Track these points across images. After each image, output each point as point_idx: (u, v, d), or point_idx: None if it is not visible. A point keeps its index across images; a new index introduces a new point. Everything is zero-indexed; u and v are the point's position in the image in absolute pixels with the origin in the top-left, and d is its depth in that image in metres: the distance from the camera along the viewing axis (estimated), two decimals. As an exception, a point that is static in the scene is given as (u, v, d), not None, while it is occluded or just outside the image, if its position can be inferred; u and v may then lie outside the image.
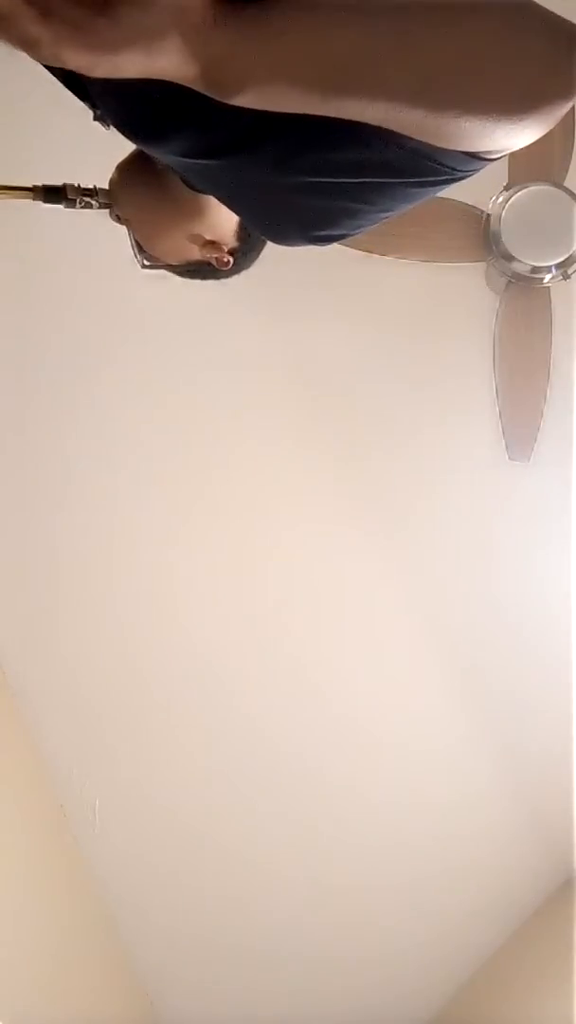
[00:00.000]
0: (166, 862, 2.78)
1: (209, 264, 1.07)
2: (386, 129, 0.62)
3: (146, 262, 1.11)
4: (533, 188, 2.15)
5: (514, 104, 0.58)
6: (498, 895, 2.83)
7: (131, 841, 2.76)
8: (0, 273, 2.55)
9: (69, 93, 0.89)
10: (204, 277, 1.13)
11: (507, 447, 2.46)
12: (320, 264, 2.40)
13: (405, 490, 2.72)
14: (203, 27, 0.59)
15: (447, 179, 0.68)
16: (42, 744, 2.71)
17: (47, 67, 0.87)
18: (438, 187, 0.70)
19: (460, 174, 0.67)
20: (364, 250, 2.18)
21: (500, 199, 2.17)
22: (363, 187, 0.71)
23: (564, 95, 0.58)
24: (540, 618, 2.73)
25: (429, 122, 0.60)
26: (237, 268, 1.09)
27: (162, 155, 0.85)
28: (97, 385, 2.67)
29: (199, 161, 0.78)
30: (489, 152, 0.63)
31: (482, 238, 2.22)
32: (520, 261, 2.20)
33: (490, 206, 2.19)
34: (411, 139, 0.62)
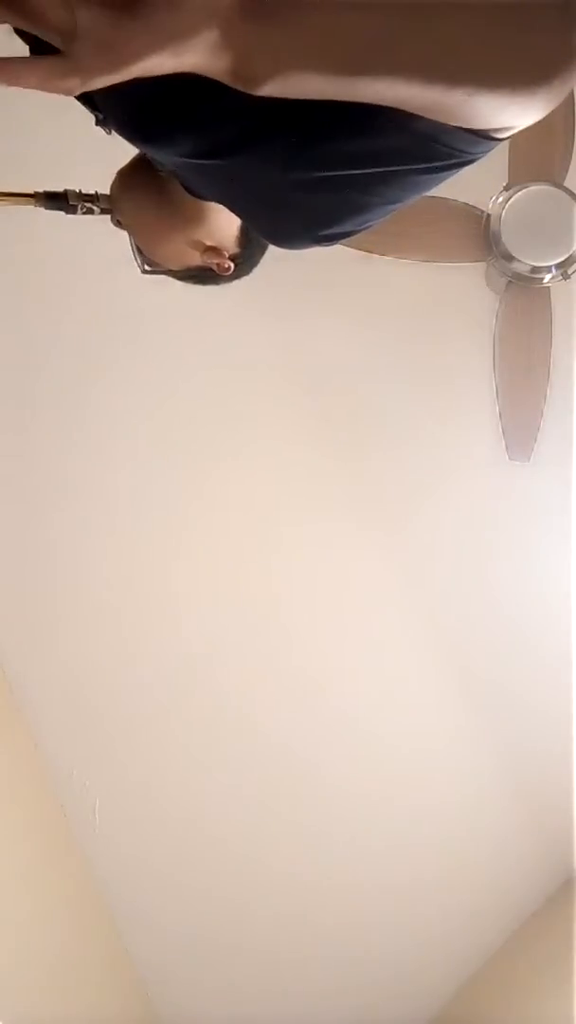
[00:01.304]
0: (166, 862, 2.78)
1: (210, 270, 1.07)
2: (396, 113, 0.62)
3: (147, 267, 1.12)
4: (533, 188, 2.15)
5: (525, 77, 0.58)
6: (498, 895, 2.83)
7: (131, 841, 2.76)
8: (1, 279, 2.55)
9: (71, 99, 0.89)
10: (205, 282, 1.13)
11: (507, 447, 2.46)
12: (320, 264, 2.40)
13: (405, 490, 2.72)
14: (234, 21, 0.59)
15: (456, 162, 0.68)
16: (42, 744, 2.71)
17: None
18: (446, 172, 0.70)
19: (469, 156, 0.67)
20: (364, 250, 2.18)
21: (500, 199, 2.17)
22: (371, 178, 0.71)
23: (573, 67, 0.58)
24: (540, 617, 2.73)
25: (443, 99, 0.60)
26: (238, 274, 1.09)
27: (166, 158, 0.84)
28: (98, 385, 2.67)
29: (204, 162, 0.77)
30: (499, 130, 0.64)
31: (482, 238, 2.22)
32: (520, 261, 2.20)
33: (490, 206, 2.19)
34: (423, 120, 0.62)
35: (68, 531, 2.73)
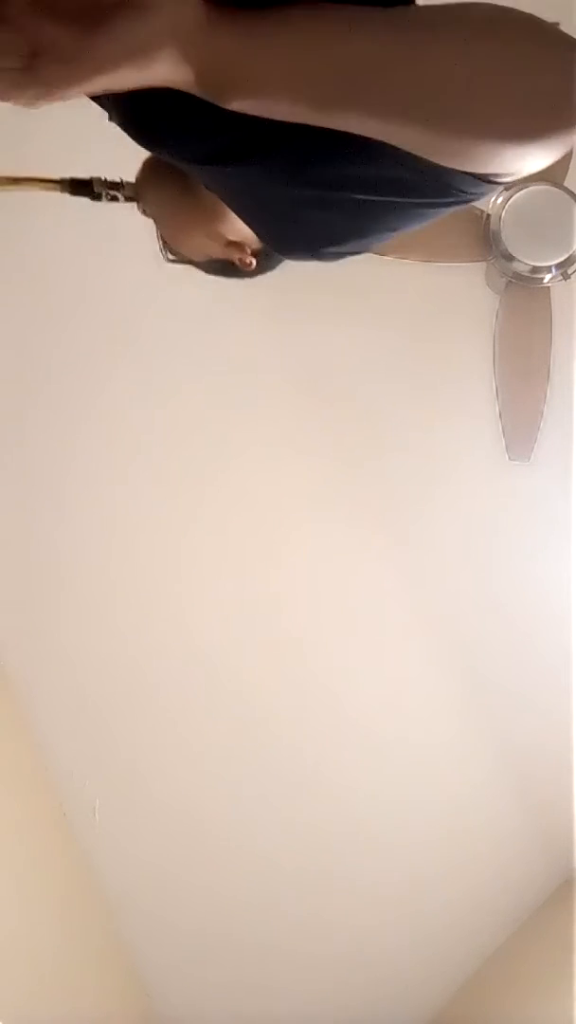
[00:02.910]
0: (166, 861, 2.78)
1: (232, 264, 1.07)
2: (392, 147, 0.61)
3: (170, 256, 1.12)
4: (533, 188, 2.15)
5: (524, 127, 0.56)
6: (498, 895, 2.83)
7: (131, 841, 2.77)
8: (1, 280, 2.55)
9: None
10: (228, 275, 1.12)
11: (507, 447, 2.46)
12: (320, 265, 2.40)
13: (405, 489, 2.72)
14: (197, 33, 0.59)
15: (455, 201, 0.67)
16: (42, 744, 2.71)
17: None
18: (446, 208, 0.69)
19: (468, 196, 0.65)
20: (364, 250, 2.17)
21: (500, 199, 2.17)
22: (372, 205, 0.70)
23: (570, 120, 0.56)
24: (540, 617, 2.73)
25: (433, 141, 0.59)
26: (260, 269, 1.09)
27: (171, 159, 0.85)
28: (99, 385, 2.67)
29: (206, 167, 0.78)
30: (498, 175, 0.62)
31: (482, 238, 2.22)
32: (520, 261, 2.19)
33: (490, 206, 2.19)
34: (421, 159, 0.61)
35: (69, 531, 2.72)
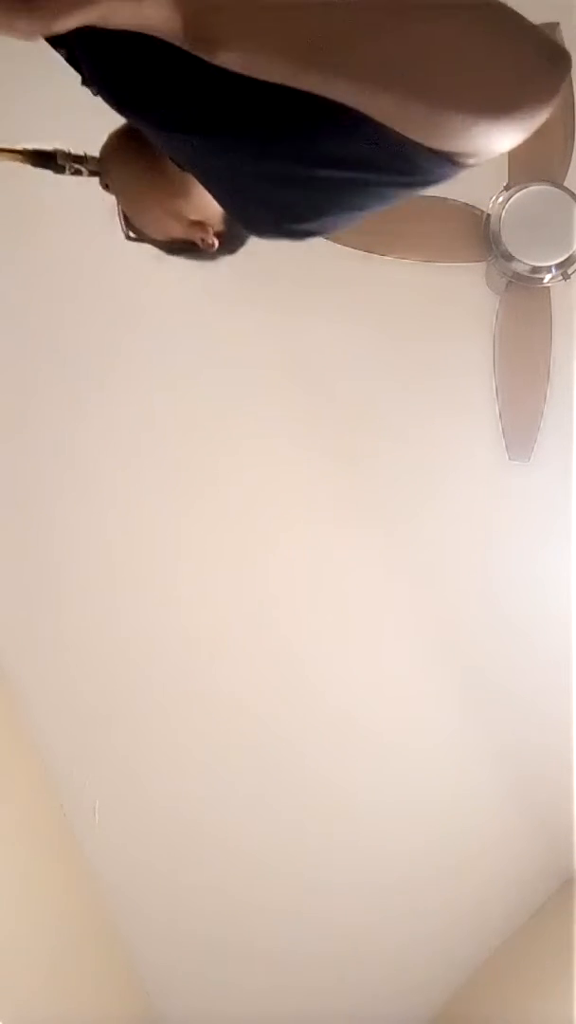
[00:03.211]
0: (166, 862, 2.78)
1: (194, 244, 1.07)
2: (363, 119, 0.62)
3: (131, 234, 1.11)
4: (533, 188, 2.15)
5: (494, 104, 0.58)
6: (498, 895, 2.83)
7: (131, 841, 2.77)
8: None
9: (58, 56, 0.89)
10: (189, 256, 1.12)
11: (507, 447, 2.46)
12: (320, 264, 2.40)
13: (404, 490, 2.72)
14: None
15: (420, 181, 0.67)
16: (42, 744, 2.71)
17: None
18: (410, 190, 0.70)
19: (434, 176, 0.66)
20: (364, 250, 2.18)
21: (500, 199, 2.17)
22: (338, 182, 0.71)
23: (543, 100, 0.58)
24: (540, 617, 2.73)
25: (411, 114, 0.60)
26: (223, 251, 1.08)
27: (143, 126, 0.85)
28: (97, 384, 2.67)
29: (178, 135, 0.78)
30: (465, 155, 0.63)
31: (482, 238, 2.22)
32: (520, 261, 2.20)
33: (490, 206, 2.19)
34: (388, 131, 0.62)
35: (67, 531, 2.72)
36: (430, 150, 0.62)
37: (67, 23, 0.60)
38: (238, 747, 2.77)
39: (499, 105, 0.58)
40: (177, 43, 0.63)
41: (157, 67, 0.69)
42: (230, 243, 1.08)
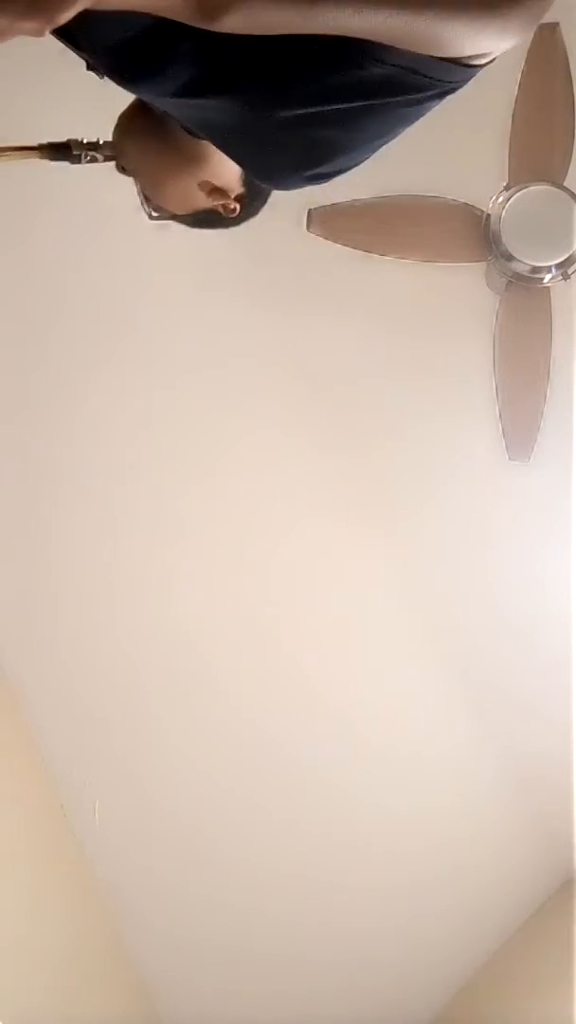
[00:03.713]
0: (166, 862, 2.78)
1: (216, 212, 1.07)
2: (370, 45, 0.63)
3: (153, 213, 1.11)
4: (533, 188, 2.15)
5: (494, 4, 0.59)
6: (498, 895, 2.83)
7: (131, 841, 2.77)
8: None
9: (61, 47, 0.89)
10: (212, 226, 1.12)
11: (507, 447, 2.46)
12: (320, 263, 2.40)
13: (405, 490, 2.72)
14: None
15: (436, 92, 0.68)
16: (42, 744, 2.71)
17: None
18: (428, 103, 0.70)
19: (448, 85, 0.68)
20: (364, 250, 2.18)
21: (500, 199, 2.17)
22: (353, 113, 0.71)
23: None
24: (540, 618, 2.73)
25: (411, 26, 0.61)
26: (244, 215, 1.09)
27: (155, 97, 0.85)
28: (95, 382, 2.67)
29: (191, 100, 0.78)
30: (475, 57, 0.64)
31: (482, 238, 2.22)
32: (520, 261, 2.20)
33: (490, 206, 2.19)
34: (397, 51, 0.63)
35: (66, 530, 2.72)
36: (440, 59, 0.63)
37: (70, 12, 0.60)
38: (239, 748, 2.77)
39: (501, 4, 0.59)
40: (177, 18, 0.63)
41: (161, 35, 0.69)
42: (251, 206, 1.09)
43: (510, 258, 2.20)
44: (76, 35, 0.83)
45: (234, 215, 1.07)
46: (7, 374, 2.66)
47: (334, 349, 2.65)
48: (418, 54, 0.63)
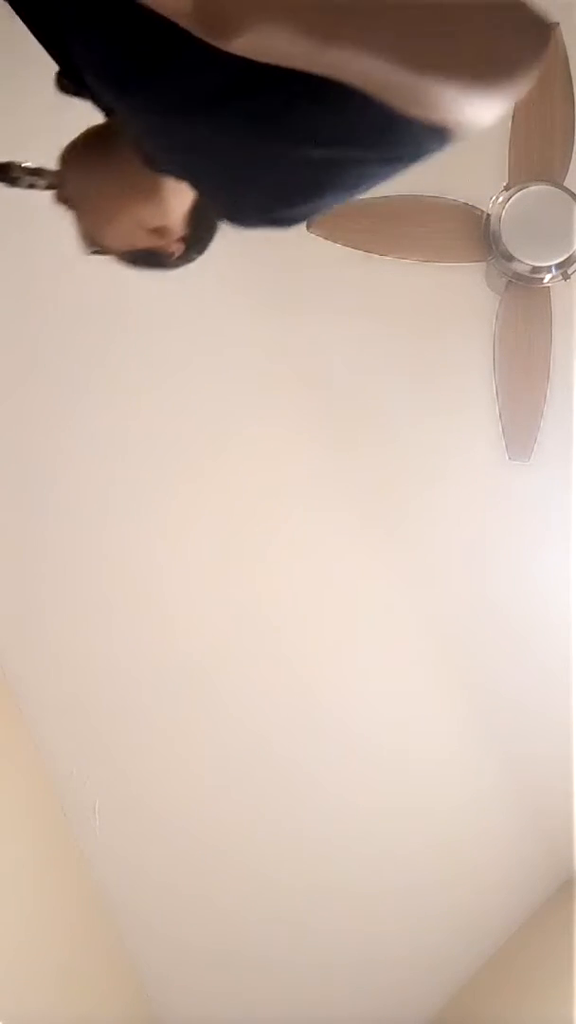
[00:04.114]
0: (166, 863, 2.78)
1: (157, 252, 1.05)
2: (360, 92, 0.63)
3: (92, 248, 1.08)
4: (533, 188, 2.15)
5: (490, 73, 0.59)
6: (498, 895, 2.83)
7: (131, 842, 2.76)
8: None
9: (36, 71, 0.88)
10: (151, 265, 1.10)
11: (507, 447, 2.46)
12: (320, 264, 2.41)
13: (404, 490, 2.72)
14: None
15: (413, 154, 0.69)
16: (42, 744, 2.71)
17: (20, 8, 0.86)
18: (402, 164, 0.70)
19: (426, 149, 0.68)
20: (364, 250, 2.18)
21: (500, 199, 2.18)
22: (331, 163, 0.71)
23: (532, 68, 0.60)
24: (540, 618, 2.73)
25: (406, 83, 0.61)
26: (185, 257, 1.07)
27: (133, 109, 0.82)
28: (92, 382, 2.67)
29: (176, 118, 0.76)
30: (458, 125, 0.64)
31: (482, 238, 2.22)
32: (520, 261, 2.20)
33: (490, 206, 2.20)
34: (384, 106, 0.63)
35: (66, 530, 2.72)
36: (421, 123, 0.63)
37: None
38: (238, 747, 2.77)
39: (494, 74, 0.59)
40: (184, 24, 0.63)
41: (158, 46, 0.69)
42: (193, 248, 1.07)
43: (510, 258, 2.20)
44: (67, 25, 0.81)
45: (176, 256, 1.05)
46: (6, 372, 2.66)
47: (334, 349, 2.65)
48: (402, 112, 0.63)
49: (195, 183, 0.89)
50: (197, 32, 0.63)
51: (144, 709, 2.75)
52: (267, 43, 0.62)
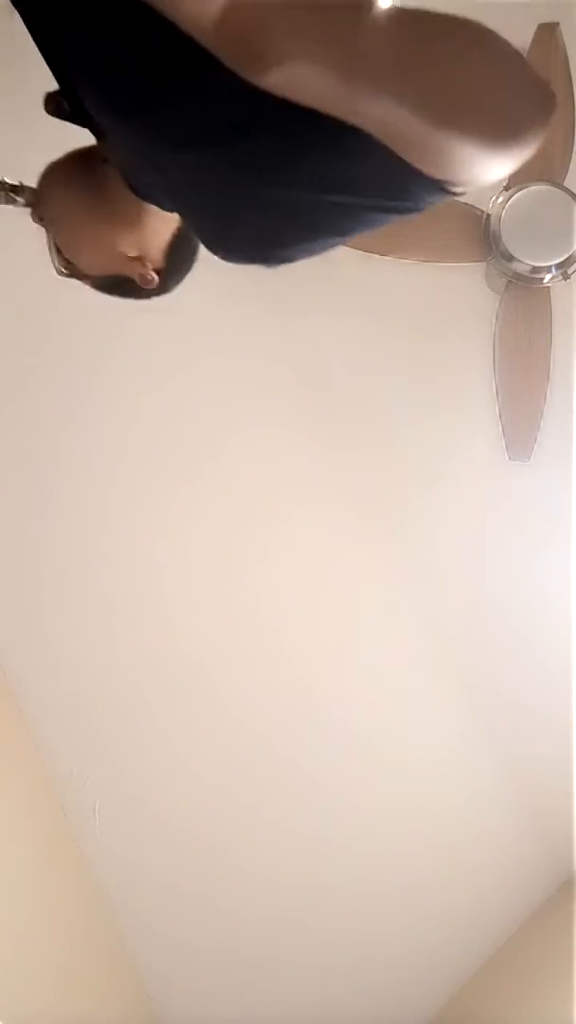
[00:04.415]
0: (166, 863, 2.77)
1: (130, 281, 1.03)
2: (374, 141, 0.63)
3: (63, 269, 1.06)
4: (533, 188, 2.16)
5: (499, 134, 0.60)
6: (498, 895, 2.83)
7: (131, 841, 2.76)
8: None
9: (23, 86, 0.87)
10: (124, 294, 1.07)
11: (507, 447, 2.46)
12: (320, 264, 2.40)
13: (405, 490, 2.72)
14: None
15: (409, 207, 0.69)
16: (42, 744, 2.71)
17: (28, 23, 0.84)
18: (398, 215, 0.71)
19: (423, 203, 0.68)
20: (364, 250, 2.18)
21: (500, 199, 2.18)
22: (329, 206, 0.71)
23: (539, 133, 0.61)
24: (540, 618, 2.73)
25: (422, 137, 0.61)
26: (160, 289, 1.05)
27: (134, 138, 0.81)
28: (92, 384, 2.67)
29: (176, 151, 0.75)
30: (459, 183, 0.65)
31: (482, 238, 2.22)
32: (520, 261, 2.20)
33: (490, 206, 2.20)
34: (394, 157, 0.63)
35: (66, 530, 2.72)
36: (427, 176, 0.64)
37: None
38: (239, 749, 2.77)
39: (502, 135, 0.60)
40: (214, 48, 0.62)
41: (167, 76, 0.68)
42: (169, 280, 1.05)
43: (510, 258, 2.20)
44: (73, 48, 0.79)
45: (150, 286, 1.02)
46: (6, 375, 2.66)
47: (334, 349, 2.65)
48: (408, 165, 0.63)
49: (184, 214, 0.88)
50: (228, 59, 0.62)
51: (144, 709, 2.75)
52: (301, 79, 0.61)
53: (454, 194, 0.66)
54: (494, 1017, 2.60)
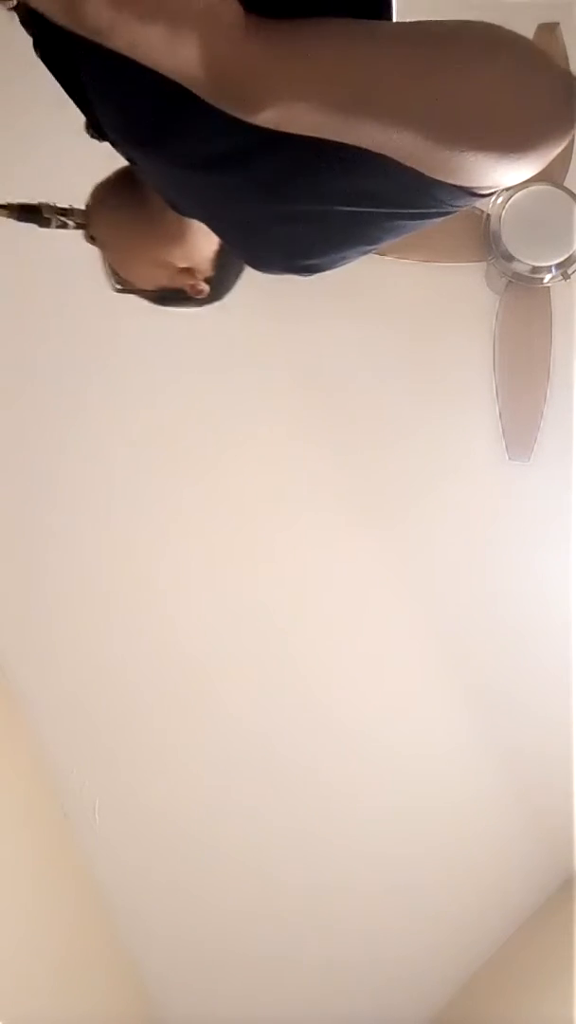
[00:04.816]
0: (166, 863, 2.77)
1: (182, 291, 1.05)
2: (387, 158, 0.62)
3: (118, 286, 1.09)
4: (533, 188, 2.16)
5: (517, 142, 0.59)
6: (498, 895, 2.83)
7: (131, 842, 2.76)
8: None
9: (66, 110, 0.88)
10: (177, 304, 1.11)
11: (507, 446, 2.46)
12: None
13: (405, 490, 2.72)
14: (233, 32, 0.58)
15: (437, 212, 0.68)
16: (42, 745, 2.71)
17: (45, 61, 0.86)
18: (427, 220, 0.70)
19: (450, 208, 0.68)
20: (364, 250, 2.18)
21: (500, 199, 2.18)
22: (354, 217, 0.71)
23: (563, 136, 0.59)
24: (540, 618, 2.73)
25: (436, 154, 0.60)
26: (212, 297, 1.08)
27: (155, 164, 0.83)
28: (94, 386, 2.67)
29: (193, 174, 0.76)
30: (483, 188, 0.64)
31: (482, 238, 2.22)
32: (520, 261, 2.20)
33: (490, 206, 2.20)
34: (412, 170, 0.62)
35: (66, 530, 2.72)
36: (451, 185, 0.63)
37: (109, 23, 0.57)
38: (238, 746, 2.77)
39: (519, 143, 0.58)
40: (203, 95, 0.61)
41: (179, 102, 0.68)
42: (218, 288, 1.08)
43: (510, 258, 2.20)
44: (88, 84, 0.81)
45: (201, 296, 1.05)
46: (7, 371, 2.66)
47: (334, 349, 2.65)
48: (429, 176, 0.63)
49: (214, 229, 0.90)
50: (220, 105, 0.61)
51: (144, 709, 2.75)
52: (293, 117, 0.61)
53: (483, 196, 0.65)
54: (494, 1017, 2.60)
